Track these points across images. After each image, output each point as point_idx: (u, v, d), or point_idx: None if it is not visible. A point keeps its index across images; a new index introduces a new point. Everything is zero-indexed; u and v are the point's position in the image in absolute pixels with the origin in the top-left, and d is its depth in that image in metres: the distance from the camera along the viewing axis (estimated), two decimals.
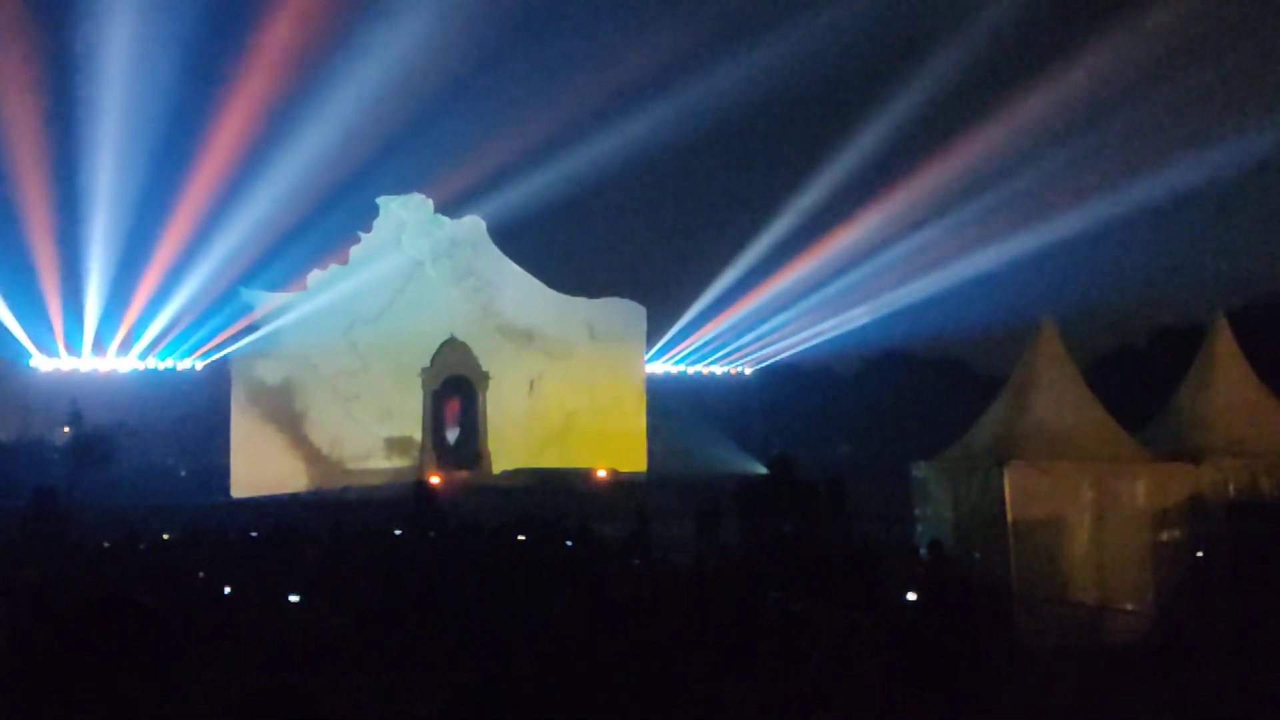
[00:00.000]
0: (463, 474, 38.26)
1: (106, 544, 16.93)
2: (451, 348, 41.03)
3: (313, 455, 38.79)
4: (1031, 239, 44.54)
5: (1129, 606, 12.66)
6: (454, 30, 41.23)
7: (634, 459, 43.25)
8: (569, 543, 16.00)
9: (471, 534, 17.44)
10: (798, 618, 6.23)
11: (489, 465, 40.49)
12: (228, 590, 11.95)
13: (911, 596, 9.92)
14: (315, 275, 40.23)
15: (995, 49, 42.45)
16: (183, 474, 39.26)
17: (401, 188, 42.19)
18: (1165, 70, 41.38)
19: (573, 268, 46.44)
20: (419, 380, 40.26)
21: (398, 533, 17.75)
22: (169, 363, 42.64)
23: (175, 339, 42.30)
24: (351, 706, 5.39)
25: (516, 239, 44.10)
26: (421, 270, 41.56)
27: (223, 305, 40.77)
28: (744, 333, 49.66)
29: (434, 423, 40.58)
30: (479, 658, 6.22)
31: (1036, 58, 43.62)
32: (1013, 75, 43.95)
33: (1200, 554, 13.13)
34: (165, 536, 18.46)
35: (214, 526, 20.52)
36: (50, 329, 40.71)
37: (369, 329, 40.20)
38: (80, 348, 41.29)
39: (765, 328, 49.56)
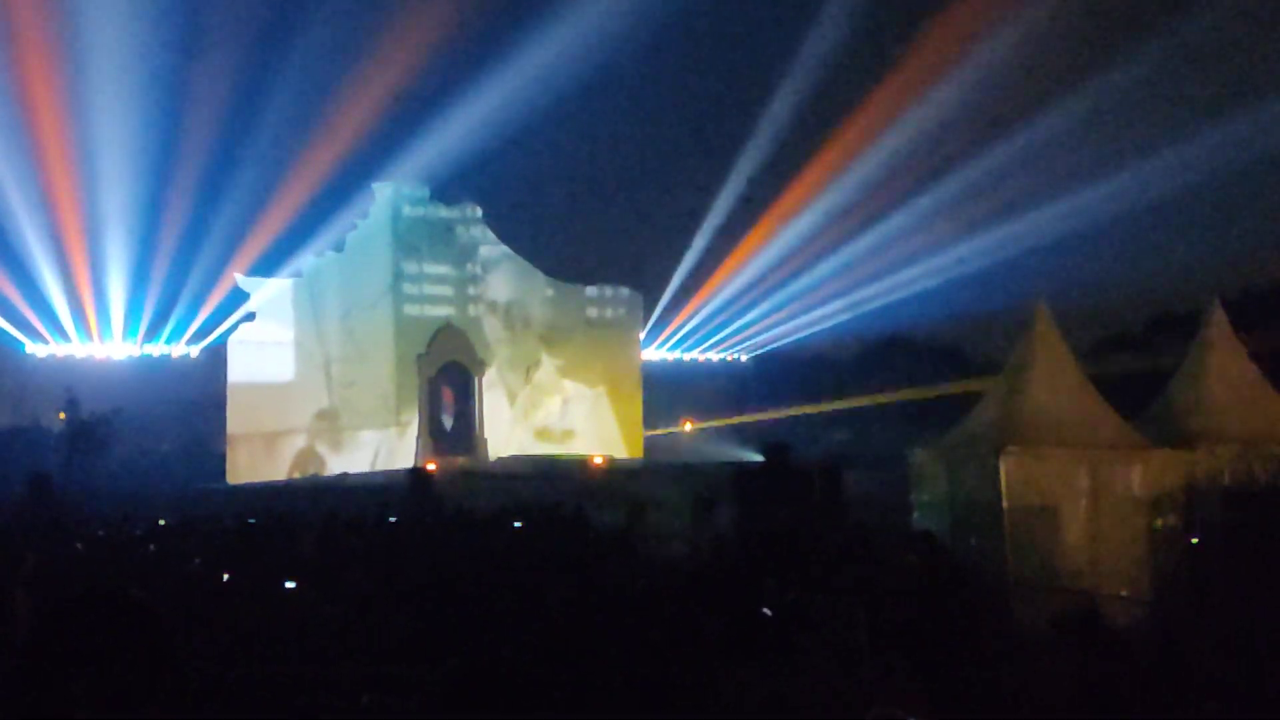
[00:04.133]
0: (459, 461, 38.32)
1: (102, 531, 16.91)
2: (448, 334, 41.04)
3: (309, 441, 38.78)
4: (1029, 226, 44.58)
5: (1123, 593, 12.70)
6: (448, 14, 41.07)
7: (631, 446, 43.38)
8: (564, 530, 16.00)
9: (467, 521, 17.42)
10: (793, 605, 6.22)
11: (485, 452, 40.58)
12: (225, 577, 11.94)
13: (904, 583, 9.93)
14: (311, 261, 40.15)
15: (997, 42, 42.30)
16: (179, 460, 39.20)
17: (397, 173, 42.08)
18: (1165, 58, 41.30)
19: (570, 254, 46.41)
20: (415, 367, 40.28)
21: (393, 520, 17.73)
22: (165, 349, 42.56)
23: (167, 323, 42.21)
24: (345, 695, 5.40)
25: (513, 225, 44.07)
26: (417, 256, 41.47)
27: (219, 291, 40.71)
28: (740, 316, 49.68)
29: (430, 409, 40.61)
30: (473, 646, 6.22)
31: (1035, 47, 43.50)
32: (1011, 66, 43.84)
33: (1195, 540, 13.17)
34: (161, 523, 18.44)
35: (210, 513, 20.51)
36: (45, 315, 40.61)
37: (365, 315, 40.13)
38: (75, 334, 41.21)
39: (763, 314, 49.61)
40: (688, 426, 40.09)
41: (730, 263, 48.28)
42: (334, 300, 39.57)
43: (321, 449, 38.74)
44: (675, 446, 44.39)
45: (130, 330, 41.75)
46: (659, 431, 45.53)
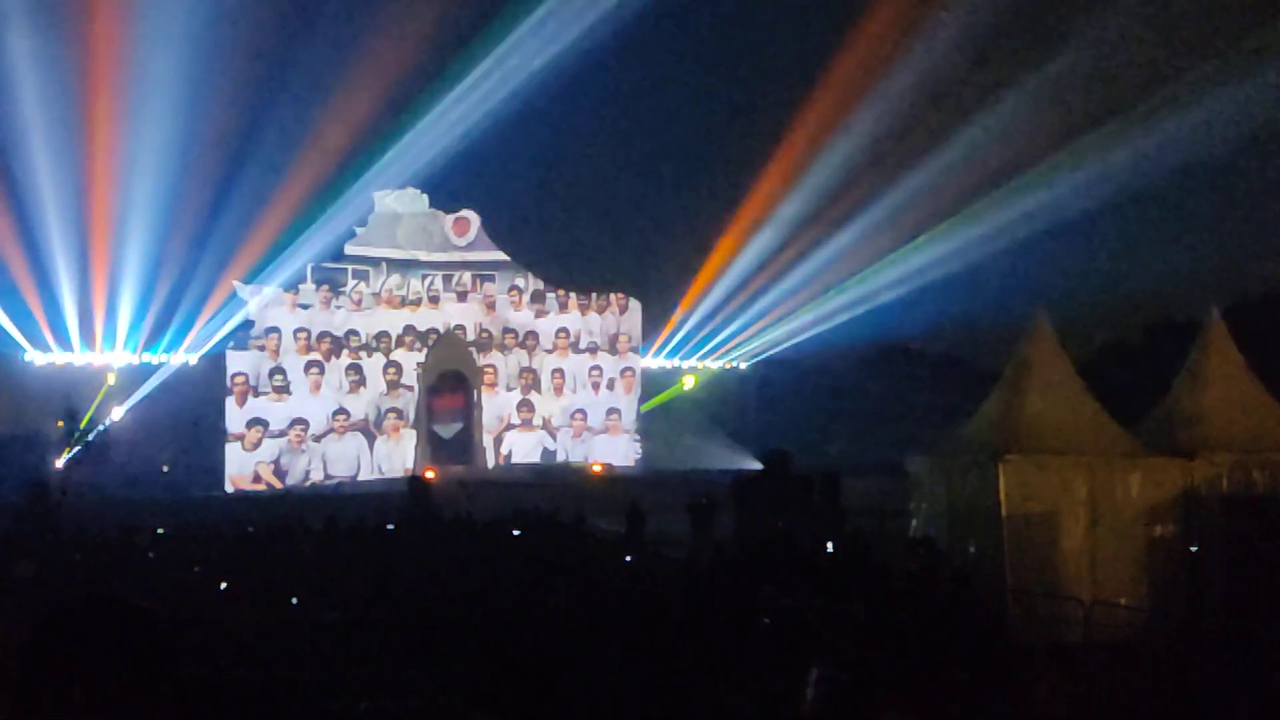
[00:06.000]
0: (457, 469, 38.31)
1: (101, 539, 16.91)
2: (446, 342, 41.06)
3: (307, 450, 38.75)
4: (1027, 232, 44.55)
5: (1122, 601, 12.69)
6: (444, 23, 41.17)
7: (629, 453, 43.45)
8: (563, 537, 16.02)
9: (466, 528, 17.45)
10: (791, 612, 6.23)
11: (484, 460, 40.59)
12: (223, 585, 11.94)
13: (901, 587, 9.94)
14: (310, 269, 40.16)
15: (994, 39, 42.33)
16: (175, 469, 39.16)
17: (396, 182, 42.11)
18: (1165, 57, 41.33)
19: (568, 262, 46.34)
20: (414, 375, 40.28)
21: (390, 528, 17.75)
22: (163, 357, 42.51)
23: (167, 331, 42.18)
24: (345, 701, 5.39)
25: (512, 233, 44.09)
26: (416, 265, 41.52)
27: (218, 300, 40.69)
28: (734, 321, 49.60)
29: (429, 417, 40.60)
30: (473, 652, 6.22)
31: (1034, 47, 43.58)
32: (1010, 64, 43.91)
33: (1194, 548, 13.15)
34: (160, 531, 18.44)
35: (208, 521, 20.52)
36: (44, 323, 40.58)
37: (363, 323, 40.14)
38: (78, 342, 41.18)
39: (761, 320, 49.54)
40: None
41: (729, 269, 48.27)
42: (333, 309, 39.57)
43: (319, 457, 38.71)
44: (674, 454, 44.36)
45: (131, 338, 41.75)
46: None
